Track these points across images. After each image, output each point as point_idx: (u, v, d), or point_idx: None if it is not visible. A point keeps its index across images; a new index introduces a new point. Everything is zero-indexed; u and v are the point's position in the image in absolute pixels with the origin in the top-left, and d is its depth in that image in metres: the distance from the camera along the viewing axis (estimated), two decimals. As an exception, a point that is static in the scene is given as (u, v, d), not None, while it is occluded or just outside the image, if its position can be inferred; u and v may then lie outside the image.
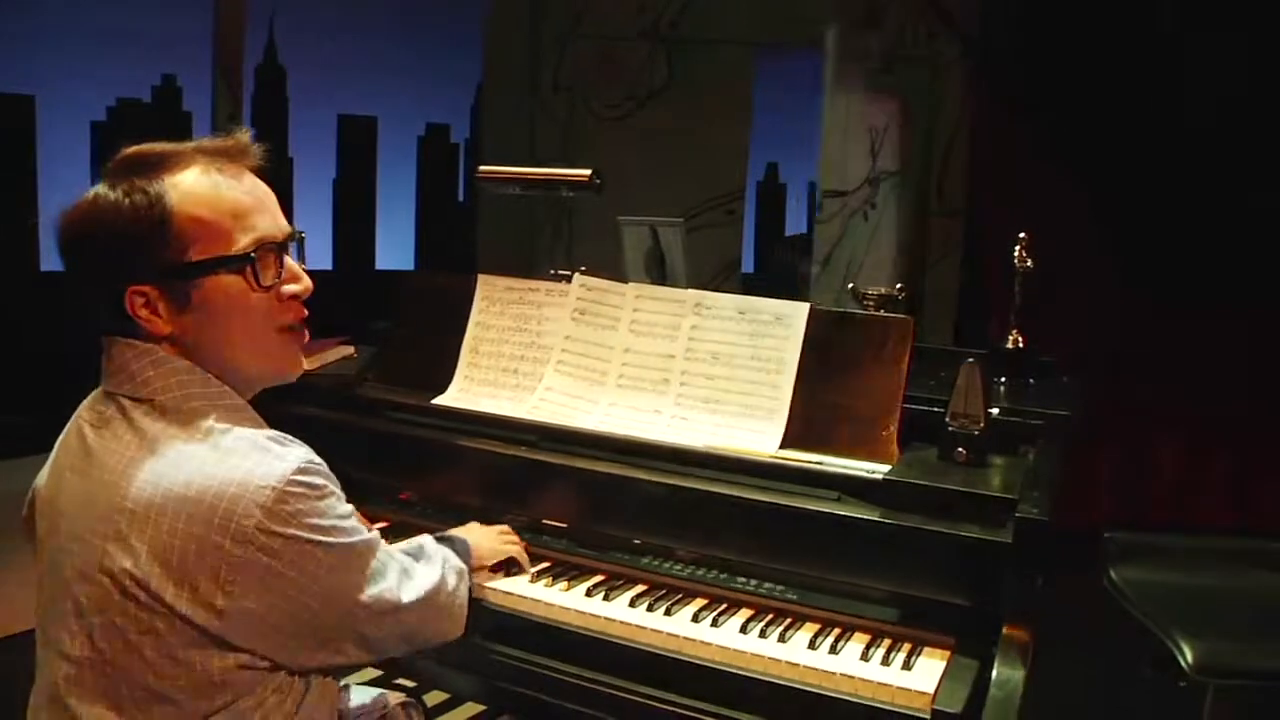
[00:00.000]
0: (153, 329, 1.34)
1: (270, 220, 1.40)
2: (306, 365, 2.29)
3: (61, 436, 1.42)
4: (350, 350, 2.53)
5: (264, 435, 1.34)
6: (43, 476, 1.42)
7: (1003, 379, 2.33)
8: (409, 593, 1.47)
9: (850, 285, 2.45)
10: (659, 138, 5.36)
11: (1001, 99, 5.00)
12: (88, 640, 1.29)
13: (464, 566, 1.66)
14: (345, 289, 5.79)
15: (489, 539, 1.88)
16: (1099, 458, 5.18)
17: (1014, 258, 2.39)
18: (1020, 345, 2.39)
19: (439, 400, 2.18)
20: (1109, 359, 4.86)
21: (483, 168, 2.51)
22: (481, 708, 2.27)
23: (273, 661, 1.33)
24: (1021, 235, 2.40)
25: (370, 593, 1.39)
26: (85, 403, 1.42)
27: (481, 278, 2.26)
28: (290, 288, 1.43)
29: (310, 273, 1.48)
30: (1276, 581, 2.29)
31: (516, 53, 5.57)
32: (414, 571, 1.51)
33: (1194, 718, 2.24)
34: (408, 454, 2.15)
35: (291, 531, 1.27)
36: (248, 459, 1.29)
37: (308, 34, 6.12)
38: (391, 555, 1.48)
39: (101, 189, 1.33)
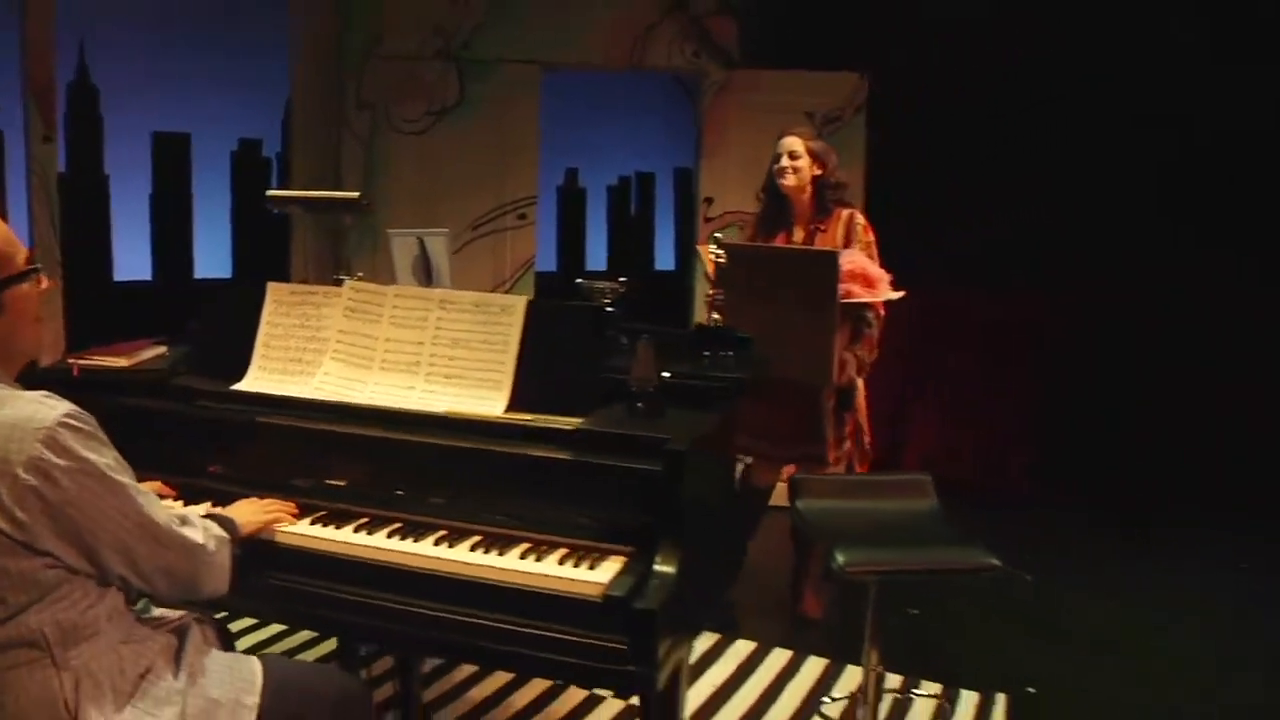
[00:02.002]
0: None
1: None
2: (125, 363, 2.74)
3: None
4: (163, 349, 2.94)
5: (39, 394, 1.82)
6: None
7: (707, 351, 2.90)
8: (174, 534, 1.93)
9: (578, 281, 2.98)
10: (455, 150, 5.82)
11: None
12: None
13: (225, 535, 2.08)
14: (165, 298, 6.11)
15: (252, 511, 2.29)
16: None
17: (712, 255, 2.97)
18: (718, 324, 2.97)
19: (237, 386, 2.62)
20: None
21: (270, 192, 2.98)
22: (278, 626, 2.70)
23: (68, 566, 1.79)
24: (717, 235, 2.97)
25: (139, 519, 1.85)
26: None
27: (271, 286, 2.70)
28: (44, 285, 1.96)
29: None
30: (906, 504, 2.94)
31: (321, 71, 5.91)
32: (179, 525, 1.96)
33: (863, 604, 2.88)
34: (214, 433, 2.58)
35: (65, 462, 1.74)
36: (28, 408, 1.77)
37: (119, 53, 6.36)
38: (160, 502, 1.96)
39: None
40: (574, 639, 2.05)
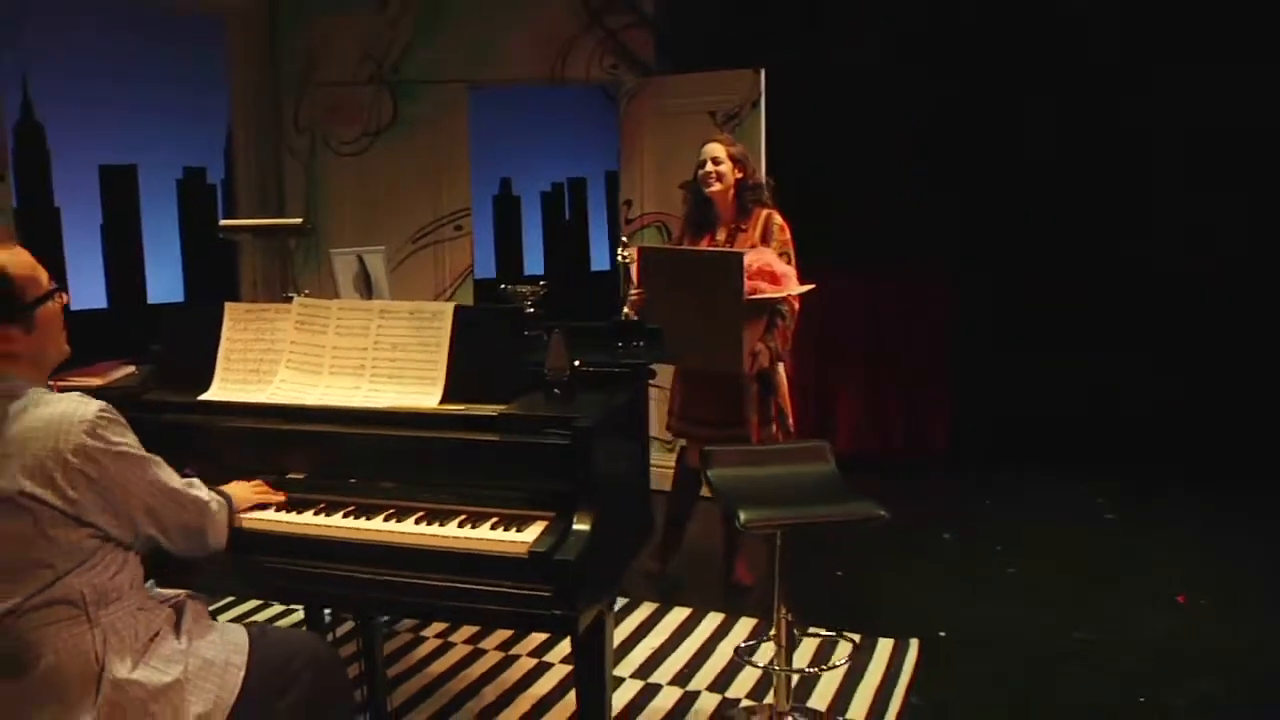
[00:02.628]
0: (11, 349, 2.18)
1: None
2: (99, 382, 3.06)
3: None
4: (132, 368, 3.26)
5: (75, 394, 2.19)
6: None
7: (620, 343, 3.26)
8: (187, 495, 2.35)
9: (502, 286, 3.33)
10: (392, 168, 6.15)
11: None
12: None
13: (224, 499, 2.49)
14: (119, 324, 6.38)
15: (245, 490, 2.68)
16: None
17: (618, 256, 3.33)
18: (631, 318, 3.33)
19: (204, 396, 2.95)
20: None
21: (222, 222, 3.31)
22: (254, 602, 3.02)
23: (107, 534, 2.16)
24: (624, 239, 3.33)
25: (161, 487, 2.27)
26: None
27: (228, 306, 3.03)
28: (65, 299, 2.35)
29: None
30: (806, 468, 3.30)
31: (260, 97, 6.18)
32: (188, 488, 2.37)
33: (784, 565, 3.27)
34: (185, 438, 2.87)
35: (104, 447, 2.13)
36: (69, 405, 2.14)
37: (63, 89, 6.60)
38: (171, 471, 2.34)
39: None
40: (507, 590, 2.41)
